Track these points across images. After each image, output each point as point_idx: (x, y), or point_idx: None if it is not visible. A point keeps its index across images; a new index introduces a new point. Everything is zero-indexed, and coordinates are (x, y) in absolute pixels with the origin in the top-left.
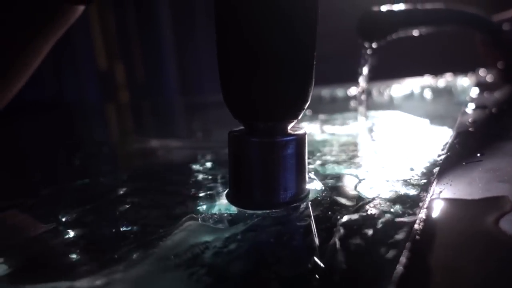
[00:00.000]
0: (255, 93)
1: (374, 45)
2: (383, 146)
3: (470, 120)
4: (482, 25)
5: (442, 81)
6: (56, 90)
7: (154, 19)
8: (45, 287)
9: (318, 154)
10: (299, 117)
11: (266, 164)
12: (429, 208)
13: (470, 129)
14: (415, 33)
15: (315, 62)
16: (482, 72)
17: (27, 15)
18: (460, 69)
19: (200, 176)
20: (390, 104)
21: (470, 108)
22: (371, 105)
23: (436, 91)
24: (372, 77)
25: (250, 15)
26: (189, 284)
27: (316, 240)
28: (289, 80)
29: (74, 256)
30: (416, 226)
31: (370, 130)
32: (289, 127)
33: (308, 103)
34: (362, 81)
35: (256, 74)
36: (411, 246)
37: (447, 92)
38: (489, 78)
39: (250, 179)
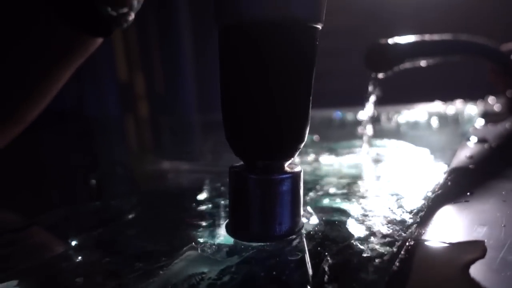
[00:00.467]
0: (254, 135)
1: (380, 76)
2: (381, 181)
3: (467, 154)
4: (490, 55)
5: (451, 108)
6: (77, 100)
7: (175, 32)
8: None
9: (318, 186)
10: (295, 156)
11: (262, 200)
12: (407, 251)
13: (467, 165)
14: (423, 63)
15: (310, 106)
16: (491, 100)
17: (46, 44)
18: (472, 95)
19: (204, 206)
20: (395, 132)
21: (471, 141)
22: (378, 132)
23: (443, 119)
24: (383, 101)
25: (252, 69)
26: None
27: (306, 273)
28: (285, 125)
29: (79, 280)
30: (393, 267)
31: (372, 162)
32: (286, 164)
33: (303, 143)
34: (368, 110)
35: (255, 120)
36: None
37: (453, 121)
38: (496, 107)
39: (247, 213)
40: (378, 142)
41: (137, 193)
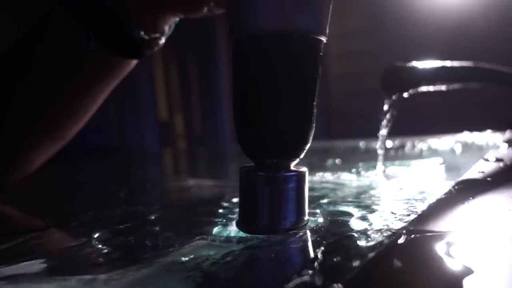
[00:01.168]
0: (262, 136)
1: (394, 97)
2: (391, 190)
3: (480, 170)
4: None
5: (478, 137)
6: (120, 137)
7: (213, 73)
8: (73, 279)
9: (328, 195)
10: (301, 156)
11: (269, 195)
12: (398, 240)
13: (476, 177)
14: (443, 88)
15: (315, 111)
16: None
17: (84, 65)
18: (502, 124)
19: (221, 209)
20: (417, 155)
21: (488, 161)
22: (399, 155)
23: (467, 146)
24: (411, 132)
25: (260, 78)
26: (184, 283)
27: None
28: (290, 127)
29: (99, 258)
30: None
31: (386, 176)
32: (292, 165)
33: (309, 144)
34: (383, 131)
35: (263, 122)
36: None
37: (477, 147)
38: None
39: (255, 208)
40: (397, 162)
41: (161, 202)
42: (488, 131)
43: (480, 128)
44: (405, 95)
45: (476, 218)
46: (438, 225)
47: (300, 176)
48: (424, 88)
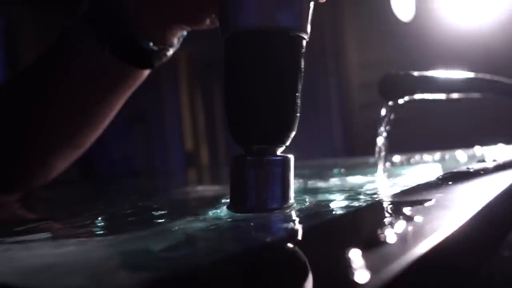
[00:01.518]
0: (250, 122)
1: (390, 103)
2: (382, 184)
3: (469, 167)
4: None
5: (487, 150)
6: (147, 166)
7: None
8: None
9: (321, 189)
10: (287, 143)
11: (256, 177)
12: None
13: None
14: (441, 96)
15: (299, 102)
16: None
17: (99, 74)
18: None
19: (223, 199)
20: (420, 161)
21: (485, 160)
22: (404, 162)
23: (472, 156)
24: (422, 148)
25: (247, 71)
26: (170, 241)
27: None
28: (275, 114)
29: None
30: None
31: (384, 175)
32: (279, 151)
33: (293, 132)
34: (381, 135)
35: (250, 111)
36: None
37: (480, 156)
38: None
39: (244, 189)
40: (399, 168)
41: (167, 199)
42: (501, 145)
43: (493, 141)
44: (401, 101)
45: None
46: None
47: (286, 161)
48: (420, 96)
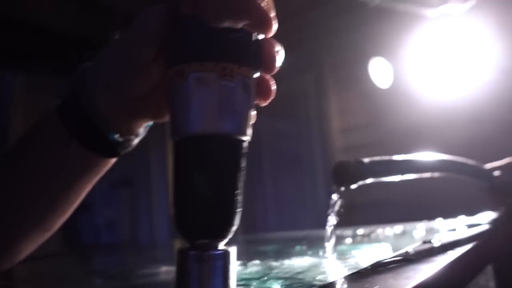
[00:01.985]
0: (192, 218)
1: (342, 189)
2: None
3: (409, 250)
4: (469, 173)
5: (445, 223)
6: (131, 235)
7: None
8: None
9: (270, 275)
10: (227, 238)
11: (199, 271)
12: None
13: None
14: (396, 179)
15: (238, 199)
16: (481, 215)
17: (66, 162)
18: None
19: None
20: (373, 240)
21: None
22: (363, 239)
23: (429, 230)
24: (386, 222)
25: (191, 171)
26: None
27: None
28: (215, 212)
29: None
30: None
31: (331, 257)
32: (220, 245)
33: (234, 227)
34: (331, 220)
35: (193, 208)
36: None
37: (434, 232)
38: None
39: (187, 282)
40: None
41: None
42: (462, 216)
43: (456, 214)
44: (353, 187)
45: None
46: None
47: (226, 255)
48: (373, 181)
